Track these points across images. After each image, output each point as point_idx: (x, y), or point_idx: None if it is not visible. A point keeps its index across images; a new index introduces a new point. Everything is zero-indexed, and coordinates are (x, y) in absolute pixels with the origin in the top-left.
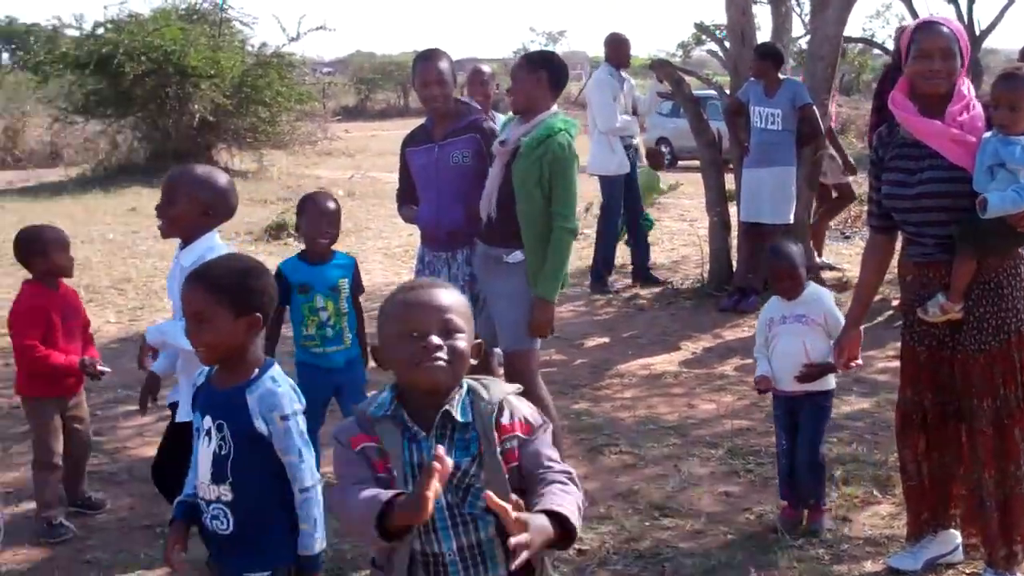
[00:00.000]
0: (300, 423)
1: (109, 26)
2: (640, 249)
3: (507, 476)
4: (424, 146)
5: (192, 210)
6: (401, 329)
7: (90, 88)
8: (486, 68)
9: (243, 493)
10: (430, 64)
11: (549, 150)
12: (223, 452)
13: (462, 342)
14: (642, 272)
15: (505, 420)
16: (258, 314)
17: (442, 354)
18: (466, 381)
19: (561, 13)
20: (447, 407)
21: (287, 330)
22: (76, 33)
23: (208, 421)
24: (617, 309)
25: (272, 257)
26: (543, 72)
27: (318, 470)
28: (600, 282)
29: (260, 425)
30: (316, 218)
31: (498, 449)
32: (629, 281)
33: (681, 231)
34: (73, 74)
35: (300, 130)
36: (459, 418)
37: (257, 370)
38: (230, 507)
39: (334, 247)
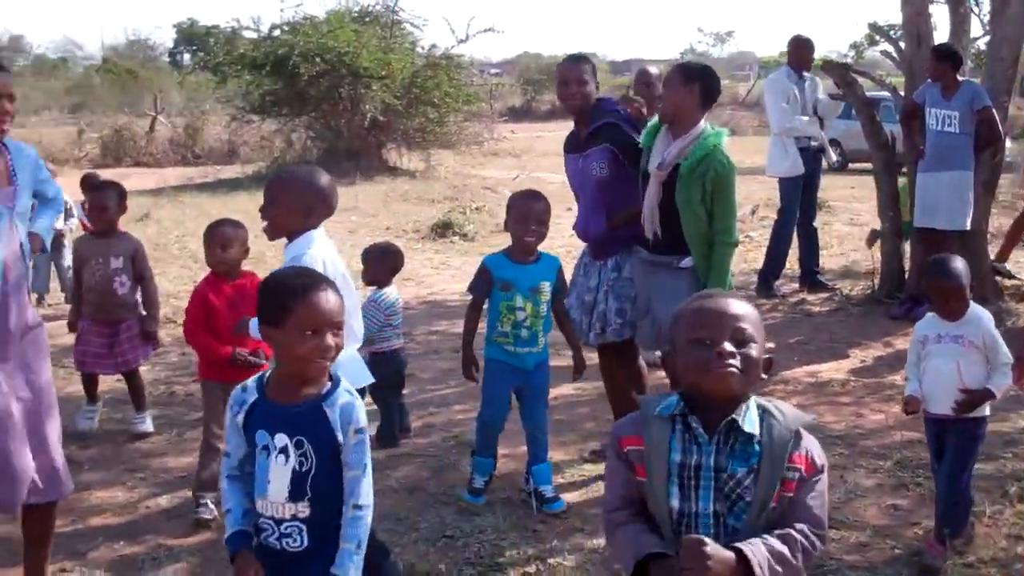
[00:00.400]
0: (368, 439)
1: (285, 28)
2: (809, 253)
3: (774, 504)
4: (573, 154)
5: (292, 210)
6: (693, 335)
7: (266, 88)
8: (653, 69)
9: (321, 507)
10: (570, 64)
11: (710, 169)
12: (304, 468)
13: (754, 351)
14: (810, 277)
15: (795, 450)
16: None
17: (735, 361)
18: (754, 398)
19: (730, 13)
20: (734, 416)
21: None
22: (254, 35)
23: (282, 439)
24: (783, 314)
25: (438, 255)
26: (697, 86)
27: (489, 475)
28: (767, 286)
29: (340, 437)
30: (523, 216)
31: (779, 475)
32: (796, 286)
33: (851, 235)
34: (250, 75)
35: (467, 130)
36: (746, 428)
37: (329, 383)
38: (307, 523)
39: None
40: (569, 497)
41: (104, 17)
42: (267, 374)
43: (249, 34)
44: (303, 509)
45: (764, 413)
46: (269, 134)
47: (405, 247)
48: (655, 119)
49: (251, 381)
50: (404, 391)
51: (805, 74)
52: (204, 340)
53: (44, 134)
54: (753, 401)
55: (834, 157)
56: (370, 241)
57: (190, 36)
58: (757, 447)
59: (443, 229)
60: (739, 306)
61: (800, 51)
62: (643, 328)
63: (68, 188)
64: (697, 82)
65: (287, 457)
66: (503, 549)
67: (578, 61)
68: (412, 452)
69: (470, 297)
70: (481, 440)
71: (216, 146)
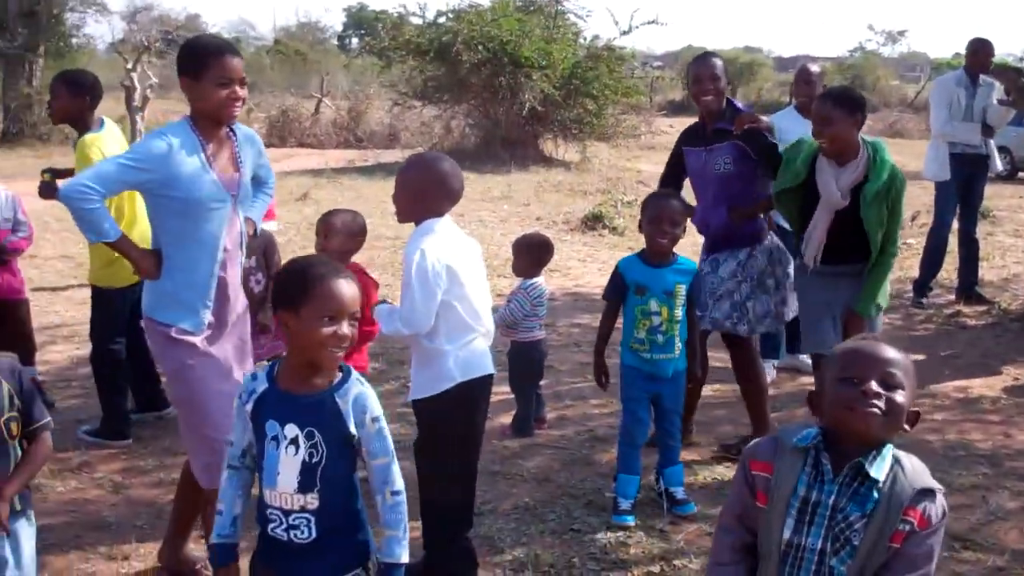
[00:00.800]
0: (386, 425)
1: (450, 15)
2: (968, 264)
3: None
4: (697, 148)
5: (409, 195)
6: (841, 374)
7: (429, 74)
8: (814, 68)
9: (330, 500)
10: (703, 62)
11: (893, 187)
12: (314, 460)
13: (900, 397)
14: (968, 289)
15: (913, 504)
16: None
17: (879, 402)
18: (892, 448)
19: (903, 12)
20: (861, 460)
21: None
22: (419, 21)
23: (292, 429)
24: (937, 326)
25: (587, 248)
26: (859, 115)
27: (634, 498)
28: (920, 295)
29: (353, 429)
30: (656, 217)
31: (892, 526)
32: (953, 297)
33: (1015, 247)
34: (414, 60)
35: (625, 123)
36: (872, 473)
37: (340, 373)
38: (315, 515)
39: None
40: (699, 499)
41: None
42: (278, 363)
43: (415, 20)
44: (312, 501)
45: (895, 464)
46: (429, 120)
47: (554, 238)
48: (800, 140)
49: (260, 370)
50: (542, 382)
51: (984, 78)
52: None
53: None
54: (890, 450)
55: (999, 166)
56: (521, 231)
57: (359, 20)
58: (876, 494)
59: (593, 222)
60: (892, 352)
61: (978, 54)
62: (825, 331)
63: None
64: (859, 111)
65: (297, 448)
66: (628, 547)
67: (709, 58)
68: (545, 443)
69: None
70: (623, 452)
71: (378, 130)
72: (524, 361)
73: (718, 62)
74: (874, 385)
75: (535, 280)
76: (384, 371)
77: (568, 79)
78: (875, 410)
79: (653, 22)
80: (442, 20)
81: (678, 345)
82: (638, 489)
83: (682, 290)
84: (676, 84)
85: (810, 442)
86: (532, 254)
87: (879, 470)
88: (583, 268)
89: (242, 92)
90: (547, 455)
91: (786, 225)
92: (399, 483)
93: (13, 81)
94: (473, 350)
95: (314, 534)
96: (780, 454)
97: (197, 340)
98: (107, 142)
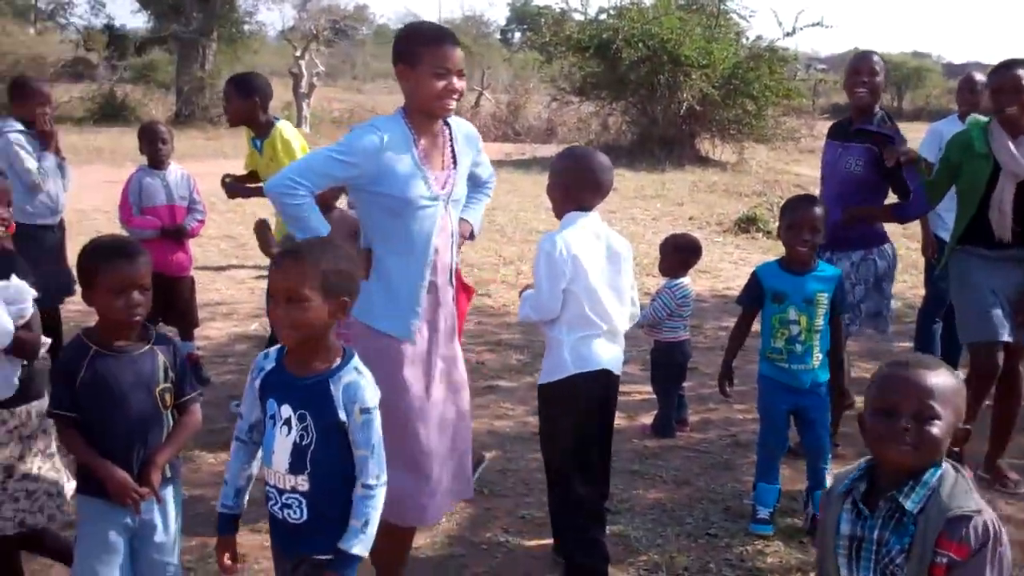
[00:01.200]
0: (378, 418)
1: (611, 12)
2: None
3: None
4: (835, 141)
5: (558, 188)
6: (875, 404)
7: (588, 71)
8: (979, 76)
9: (319, 483)
10: (864, 56)
11: None
12: (304, 442)
13: (936, 429)
14: None
15: (948, 534)
16: (346, 299)
17: (908, 438)
18: (935, 474)
19: None
20: (895, 493)
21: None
22: (581, 17)
23: (287, 410)
24: None
25: (739, 250)
26: None
27: (774, 507)
28: None
29: (343, 415)
30: (795, 223)
31: (928, 558)
32: None
33: None
34: (574, 56)
35: (785, 126)
36: (907, 506)
37: (339, 359)
38: (306, 497)
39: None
40: None
41: None
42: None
43: (577, 16)
44: (302, 483)
45: (933, 491)
46: (587, 116)
47: (706, 239)
48: (970, 121)
49: (273, 349)
50: (685, 383)
51: None
52: None
53: (379, 101)
54: (933, 475)
55: None
56: (671, 230)
57: (522, 15)
58: (912, 527)
59: (747, 224)
60: (930, 378)
61: None
62: (996, 318)
63: None
64: None
65: (289, 429)
66: (766, 556)
67: (871, 54)
68: (686, 445)
69: None
70: (761, 463)
71: (536, 124)
72: (667, 361)
73: (878, 59)
74: (904, 421)
75: (681, 280)
76: (528, 363)
77: (728, 79)
78: (905, 448)
79: (818, 24)
80: (603, 17)
81: (817, 355)
82: (778, 498)
83: (823, 299)
84: (840, 87)
85: (848, 487)
86: (679, 255)
87: (915, 500)
88: (734, 271)
89: (460, 84)
90: (687, 457)
91: (944, 236)
92: (372, 477)
93: (187, 64)
94: (591, 345)
95: (305, 516)
96: (829, 499)
97: (407, 349)
98: (287, 131)
